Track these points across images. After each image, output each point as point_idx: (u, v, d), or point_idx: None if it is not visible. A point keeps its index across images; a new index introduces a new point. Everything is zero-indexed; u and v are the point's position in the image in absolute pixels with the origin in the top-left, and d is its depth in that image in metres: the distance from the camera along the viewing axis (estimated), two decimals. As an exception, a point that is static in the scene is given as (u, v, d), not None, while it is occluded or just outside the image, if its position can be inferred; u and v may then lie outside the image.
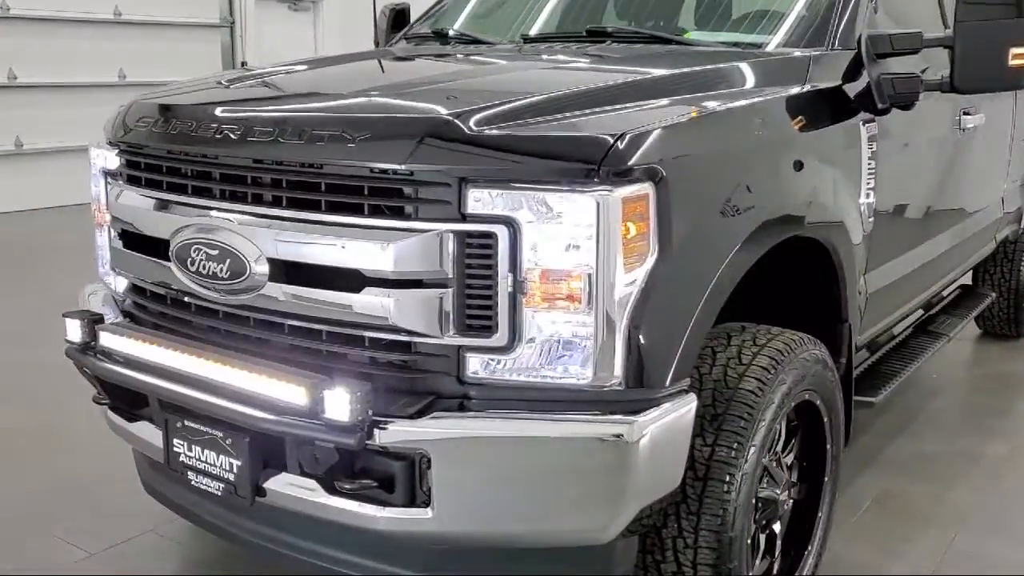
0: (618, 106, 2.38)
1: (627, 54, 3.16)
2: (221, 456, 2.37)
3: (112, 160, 2.79)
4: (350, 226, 2.18)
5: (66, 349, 2.69)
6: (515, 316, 2.11)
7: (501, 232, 2.09)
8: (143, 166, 2.64)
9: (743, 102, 2.61)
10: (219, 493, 2.39)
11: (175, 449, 2.48)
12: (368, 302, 2.17)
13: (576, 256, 2.07)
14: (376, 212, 2.17)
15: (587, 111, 2.32)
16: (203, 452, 2.41)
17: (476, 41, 3.61)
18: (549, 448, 2.13)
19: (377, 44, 4.33)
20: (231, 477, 2.36)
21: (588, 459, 2.12)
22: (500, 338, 2.13)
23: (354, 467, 2.23)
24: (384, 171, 2.15)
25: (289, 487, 2.31)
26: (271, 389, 2.23)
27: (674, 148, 2.20)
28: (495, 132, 2.17)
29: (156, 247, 2.55)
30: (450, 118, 2.19)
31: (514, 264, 2.09)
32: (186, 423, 2.44)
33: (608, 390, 2.13)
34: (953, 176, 4.05)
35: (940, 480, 3.87)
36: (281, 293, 2.28)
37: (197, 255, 2.40)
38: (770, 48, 3.08)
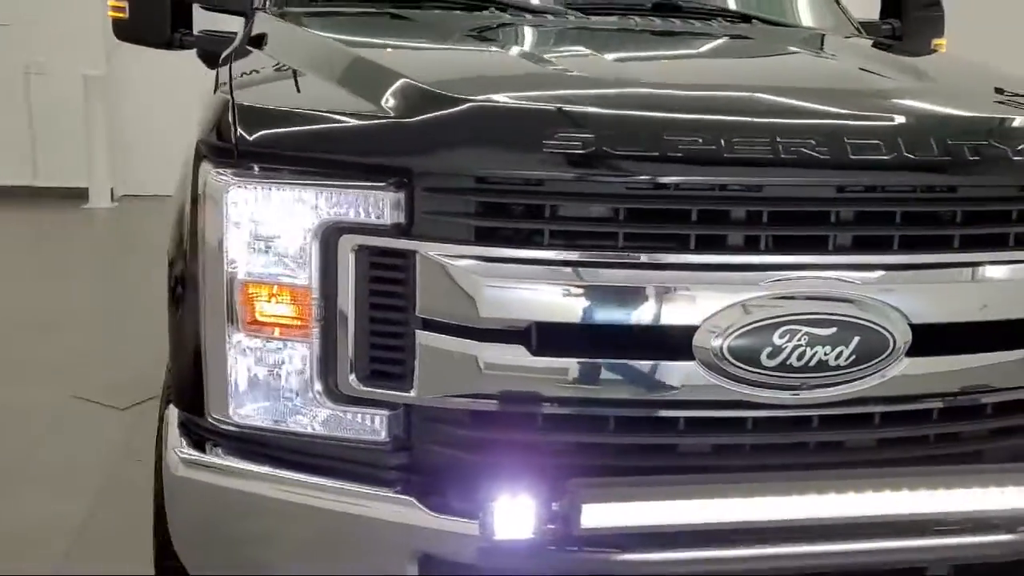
0: None
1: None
2: None
3: (409, 209, 1.68)
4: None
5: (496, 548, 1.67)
6: None
7: None
8: (591, 218, 1.71)
9: None
10: None
11: None
12: None
13: None
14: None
15: None
16: None
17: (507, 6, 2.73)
18: None
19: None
20: None
21: None
22: None
23: None
24: None
25: None
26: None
27: None
28: None
29: (624, 343, 1.72)
30: None
31: None
32: None
33: None
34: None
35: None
36: (927, 370, 1.79)
37: (789, 342, 1.70)
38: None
